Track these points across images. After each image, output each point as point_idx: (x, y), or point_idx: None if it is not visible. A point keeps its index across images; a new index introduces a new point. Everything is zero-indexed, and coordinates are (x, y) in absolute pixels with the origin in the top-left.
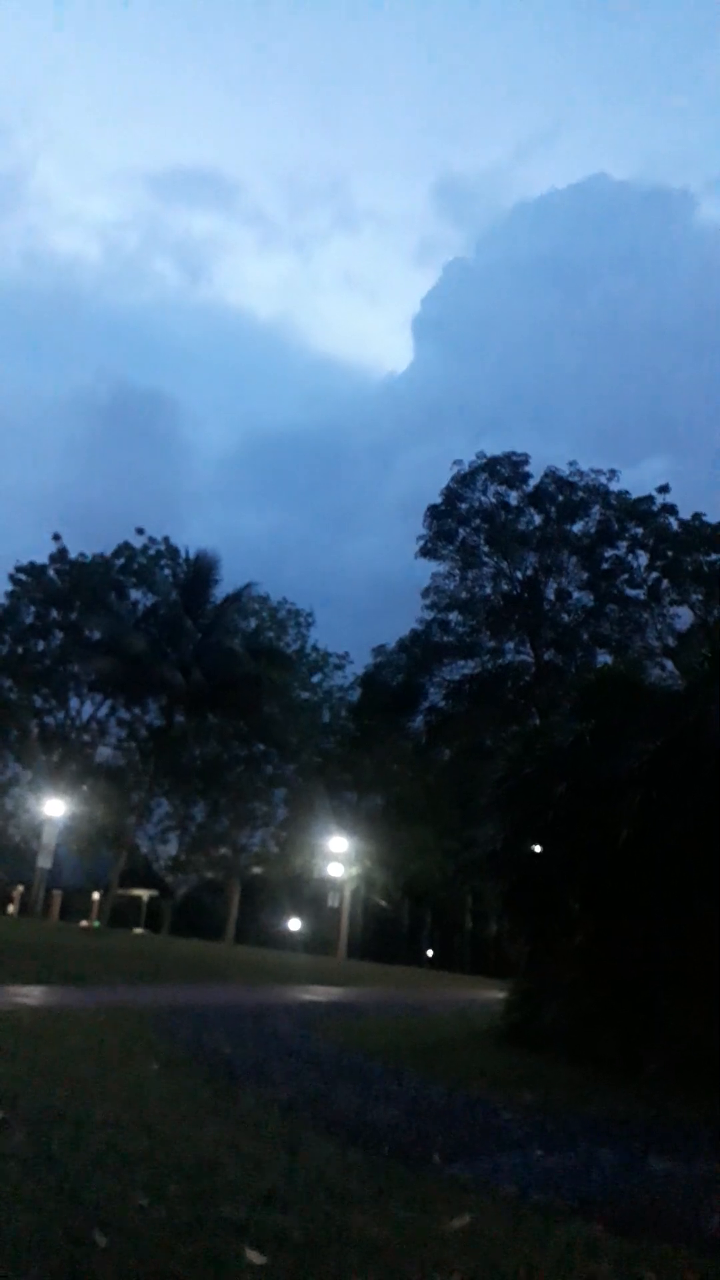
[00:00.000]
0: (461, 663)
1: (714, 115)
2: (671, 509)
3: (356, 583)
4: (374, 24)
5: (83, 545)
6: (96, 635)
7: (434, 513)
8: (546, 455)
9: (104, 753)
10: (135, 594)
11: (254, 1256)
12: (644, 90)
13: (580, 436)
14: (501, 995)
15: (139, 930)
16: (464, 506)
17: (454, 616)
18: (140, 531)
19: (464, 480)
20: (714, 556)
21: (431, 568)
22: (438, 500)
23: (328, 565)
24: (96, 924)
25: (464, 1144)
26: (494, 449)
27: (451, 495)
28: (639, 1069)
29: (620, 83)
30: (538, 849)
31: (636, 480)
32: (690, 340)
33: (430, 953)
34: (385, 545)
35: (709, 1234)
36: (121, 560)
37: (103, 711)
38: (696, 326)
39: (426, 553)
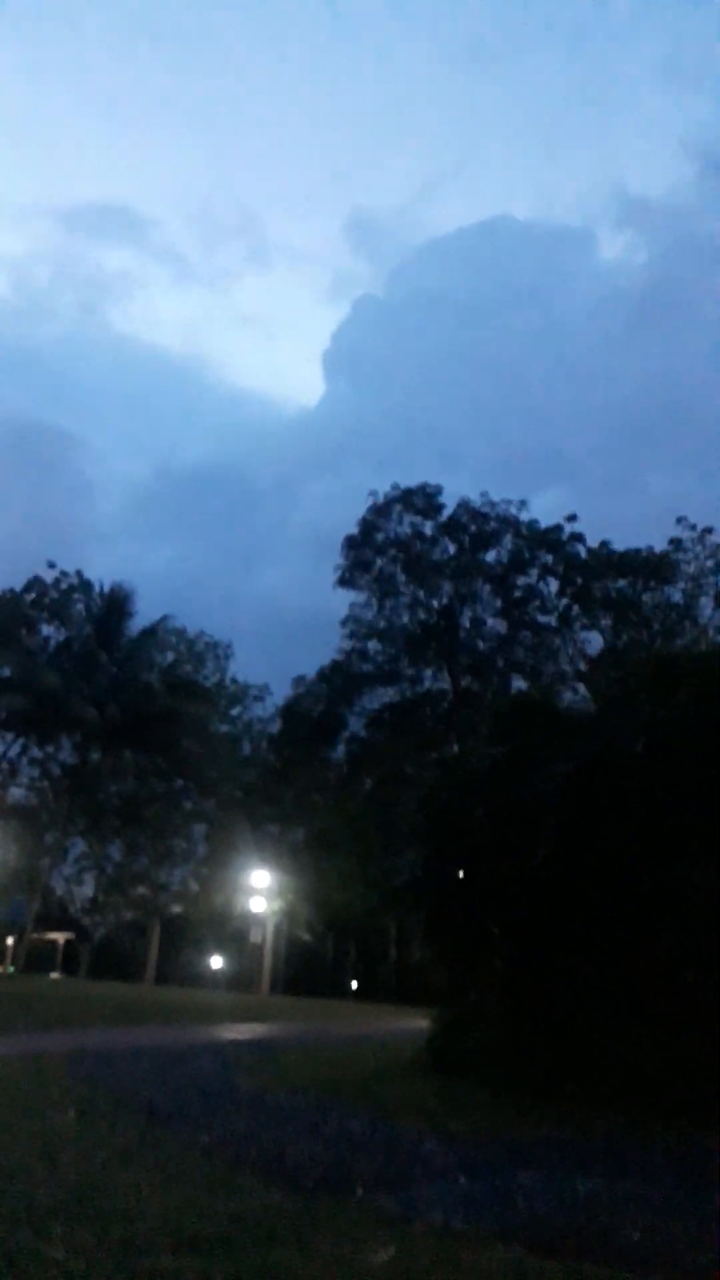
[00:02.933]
0: (381, 691)
1: (615, 158)
2: (579, 537)
3: (267, 615)
4: (282, 64)
5: None
6: (6, 672)
7: (351, 543)
8: (452, 486)
9: (16, 793)
10: (47, 629)
11: None
12: (549, 133)
13: (481, 468)
14: (426, 1024)
15: (55, 975)
16: (380, 537)
17: (373, 645)
18: (52, 565)
19: (380, 511)
20: (621, 583)
21: (348, 598)
22: (349, 532)
23: (238, 598)
24: (11, 969)
25: (388, 1175)
26: (402, 481)
27: (368, 526)
28: (561, 1093)
29: (526, 125)
30: (460, 875)
31: (535, 511)
32: (586, 375)
33: (355, 984)
34: (296, 577)
35: (629, 1251)
36: (33, 595)
37: (14, 751)
38: (592, 361)
39: (344, 582)
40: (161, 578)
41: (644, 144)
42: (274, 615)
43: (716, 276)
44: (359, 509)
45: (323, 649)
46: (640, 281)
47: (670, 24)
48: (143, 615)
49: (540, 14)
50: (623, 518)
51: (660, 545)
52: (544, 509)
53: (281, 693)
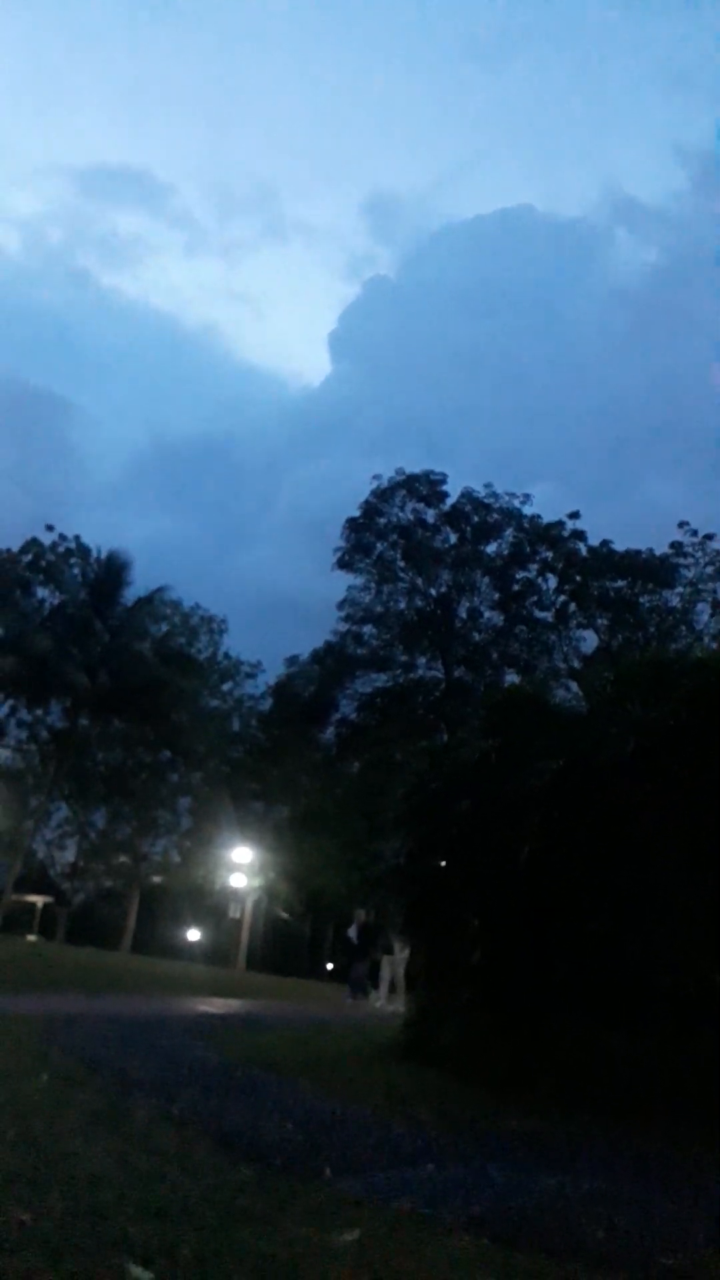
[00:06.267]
0: (374, 676)
1: (620, 159)
2: (581, 535)
3: (255, 592)
4: (309, 43)
5: None
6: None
7: (353, 525)
8: (453, 476)
9: (2, 754)
10: (42, 592)
11: (140, 1273)
12: (566, 129)
13: (472, 460)
14: (400, 1010)
15: (32, 938)
16: (382, 521)
17: (368, 629)
18: (50, 528)
19: (382, 495)
20: (619, 583)
21: (340, 579)
22: (343, 514)
23: (226, 573)
24: None
25: (357, 1159)
26: (399, 467)
27: (370, 509)
28: (532, 1087)
29: (553, 117)
30: (442, 865)
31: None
32: (588, 373)
33: (331, 966)
34: (288, 556)
35: (594, 1249)
36: (29, 557)
37: (2, 711)
38: (594, 360)
39: (344, 565)
40: (149, 548)
41: (643, 147)
42: (262, 593)
43: (713, 281)
44: (352, 492)
45: (311, 629)
46: (645, 283)
47: (669, 29)
48: (138, 584)
49: (559, 9)
50: (612, 520)
51: (649, 548)
52: (533, 506)
53: (274, 671)
